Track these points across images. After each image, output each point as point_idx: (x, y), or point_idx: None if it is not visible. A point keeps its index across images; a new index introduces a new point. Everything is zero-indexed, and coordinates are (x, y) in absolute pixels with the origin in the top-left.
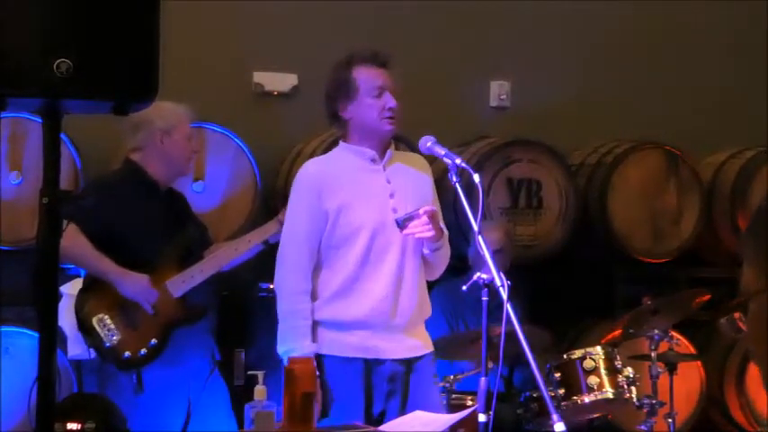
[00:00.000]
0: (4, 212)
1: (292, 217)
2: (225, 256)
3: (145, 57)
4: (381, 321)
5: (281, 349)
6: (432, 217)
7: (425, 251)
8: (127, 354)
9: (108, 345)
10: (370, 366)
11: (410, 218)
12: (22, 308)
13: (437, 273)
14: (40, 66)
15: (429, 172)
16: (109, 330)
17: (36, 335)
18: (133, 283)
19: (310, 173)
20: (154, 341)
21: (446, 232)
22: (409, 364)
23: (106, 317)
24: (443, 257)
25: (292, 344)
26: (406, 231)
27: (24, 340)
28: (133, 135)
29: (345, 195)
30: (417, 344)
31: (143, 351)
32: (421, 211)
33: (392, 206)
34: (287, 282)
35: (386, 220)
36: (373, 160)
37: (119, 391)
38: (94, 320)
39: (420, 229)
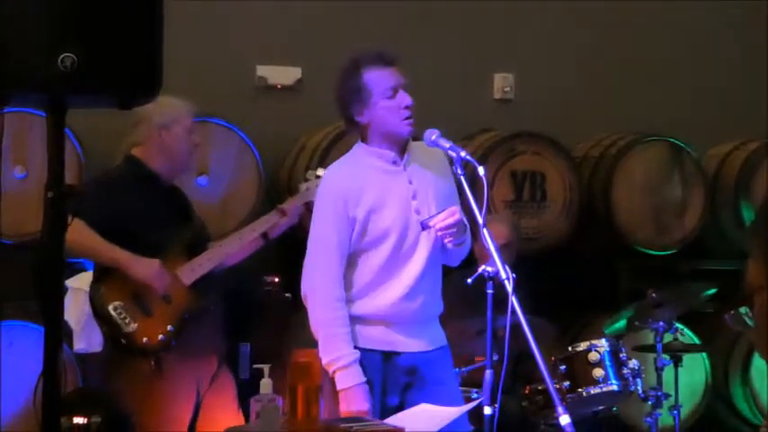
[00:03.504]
0: (8, 206)
1: (320, 225)
2: (230, 244)
3: (149, 51)
4: (401, 317)
5: (325, 360)
6: (456, 222)
7: (449, 246)
8: (145, 339)
9: (126, 331)
10: (388, 359)
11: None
12: (25, 302)
13: (458, 261)
14: (45, 60)
15: (446, 163)
16: (125, 317)
17: (39, 329)
18: (145, 267)
19: (335, 181)
20: (171, 327)
21: (467, 225)
22: (427, 356)
23: (120, 304)
24: (466, 248)
25: (337, 353)
26: (432, 224)
27: (28, 334)
28: (134, 130)
29: (371, 201)
30: (433, 337)
31: (162, 336)
32: (449, 219)
33: (415, 207)
34: (321, 290)
35: (410, 221)
36: (394, 162)
37: (128, 383)
38: (110, 308)
39: (444, 224)
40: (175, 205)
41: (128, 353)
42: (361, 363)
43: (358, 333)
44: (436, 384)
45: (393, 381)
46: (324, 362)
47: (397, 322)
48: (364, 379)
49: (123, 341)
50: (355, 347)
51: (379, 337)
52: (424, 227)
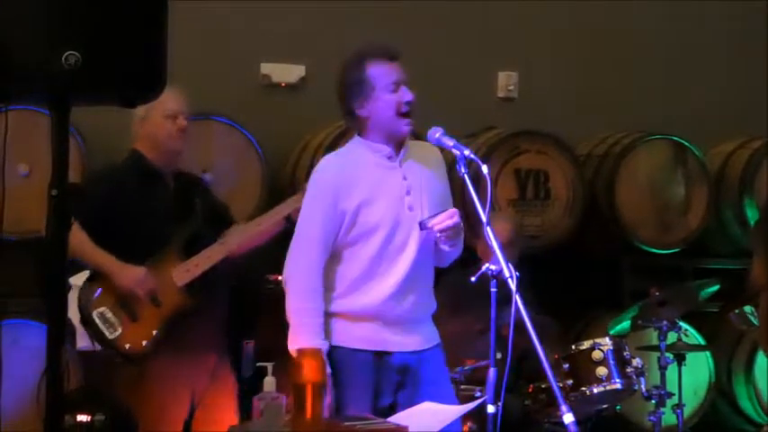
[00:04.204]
0: (11, 204)
1: (308, 215)
2: (232, 239)
3: (152, 49)
4: (391, 315)
5: (291, 347)
6: (455, 224)
7: (443, 247)
8: (128, 346)
9: (109, 337)
10: (378, 358)
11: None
12: (28, 299)
13: (448, 263)
14: (48, 58)
15: (442, 164)
16: (110, 323)
17: (43, 326)
18: (128, 276)
19: (327, 172)
20: (155, 331)
21: (463, 228)
22: (419, 355)
23: (107, 310)
24: (458, 250)
25: (303, 343)
26: (430, 225)
27: (31, 332)
28: (132, 127)
29: (363, 194)
30: (425, 337)
31: (146, 342)
32: (448, 220)
33: (408, 204)
34: (298, 279)
35: (401, 218)
36: (389, 157)
37: (124, 382)
38: (95, 314)
39: (443, 225)
40: (181, 198)
41: (114, 358)
42: (353, 363)
43: (348, 332)
44: (429, 384)
45: (386, 381)
46: (290, 348)
47: (387, 320)
48: (328, 371)
49: (107, 346)
50: (345, 347)
51: (370, 337)
52: (423, 227)
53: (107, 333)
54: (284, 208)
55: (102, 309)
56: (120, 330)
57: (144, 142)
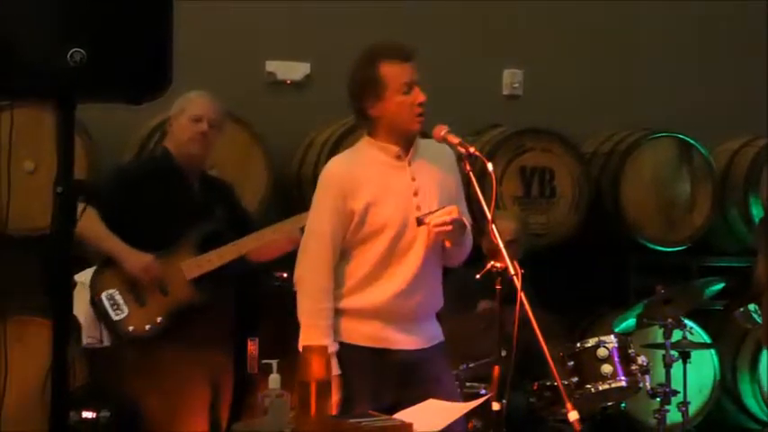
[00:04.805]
0: (16, 201)
1: (317, 216)
2: (245, 243)
3: (157, 47)
4: (396, 313)
5: (302, 348)
6: (452, 221)
7: (446, 244)
8: (131, 327)
9: (114, 318)
10: (380, 355)
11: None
12: (33, 296)
13: (458, 262)
14: (54, 56)
15: (454, 163)
16: (117, 305)
17: (48, 323)
18: (135, 261)
19: (335, 173)
20: (160, 318)
21: (468, 227)
22: (422, 353)
23: (116, 292)
24: (466, 249)
25: (311, 341)
26: (427, 221)
27: (36, 329)
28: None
29: (370, 195)
30: (429, 335)
31: (149, 326)
32: (445, 216)
33: (416, 204)
34: (309, 280)
35: (409, 218)
36: (398, 157)
37: (131, 378)
38: (103, 295)
39: (439, 221)
40: (203, 198)
41: (117, 341)
42: (355, 360)
43: (351, 328)
44: (432, 382)
45: (387, 378)
46: (301, 348)
47: (391, 319)
48: (338, 371)
49: (110, 328)
50: (347, 343)
51: (374, 334)
52: (419, 222)
53: (112, 314)
54: (301, 219)
55: (111, 290)
56: (125, 313)
57: (170, 141)
